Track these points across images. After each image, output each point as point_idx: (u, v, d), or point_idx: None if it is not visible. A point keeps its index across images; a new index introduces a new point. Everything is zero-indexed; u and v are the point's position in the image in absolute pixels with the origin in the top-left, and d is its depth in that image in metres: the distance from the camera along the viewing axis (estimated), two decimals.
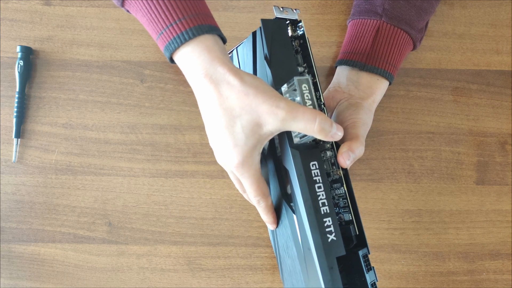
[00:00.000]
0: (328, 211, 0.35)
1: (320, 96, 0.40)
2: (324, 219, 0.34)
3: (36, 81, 0.52)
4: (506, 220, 0.52)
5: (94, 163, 0.51)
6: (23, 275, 0.51)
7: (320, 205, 0.34)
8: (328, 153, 0.39)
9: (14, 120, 0.51)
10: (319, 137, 0.33)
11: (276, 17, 0.38)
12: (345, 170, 0.39)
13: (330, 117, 0.46)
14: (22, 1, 0.52)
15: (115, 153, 0.52)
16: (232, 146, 0.35)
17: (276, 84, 0.36)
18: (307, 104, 0.34)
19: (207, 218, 0.51)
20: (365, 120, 0.43)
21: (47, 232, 0.51)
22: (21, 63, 0.50)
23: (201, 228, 0.51)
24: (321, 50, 0.52)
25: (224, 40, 0.37)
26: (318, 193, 0.35)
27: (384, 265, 0.51)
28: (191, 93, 0.52)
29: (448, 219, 0.52)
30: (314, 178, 0.35)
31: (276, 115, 0.33)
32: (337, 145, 0.40)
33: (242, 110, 0.34)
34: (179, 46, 0.34)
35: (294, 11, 0.39)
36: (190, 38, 0.34)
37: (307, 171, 0.35)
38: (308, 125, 0.33)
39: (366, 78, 0.45)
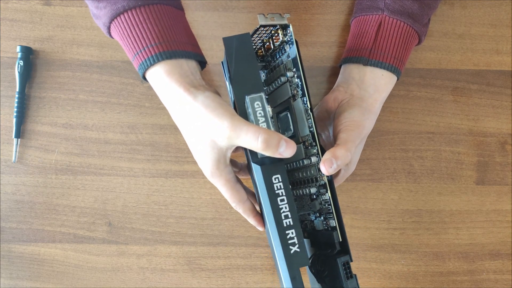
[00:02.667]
0: (291, 223, 0.35)
1: (306, 101, 0.40)
2: (287, 231, 0.35)
3: (36, 81, 0.52)
4: (506, 220, 0.52)
5: (94, 163, 0.51)
6: (23, 275, 0.51)
7: (283, 218, 0.35)
8: (313, 158, 0.40)
9: (14, 120, 0.51)
10: (266, 154, 0.34)
11: (260, 25, 0.39)
12: (329, 176, 0.40)
13: (332, 119, 0.45)
14: (22, 1, 0.52)
15: (115, 153, 0.52)
16: (200, 160, 0.39)
17: (238, 102, 0.37)
18: (260, 122, 0.35)
19: (207, 218, 0.51)
20: (360, 123, 0.43)
21: (47, 232, 0.51)
22: (21, 63, 0.50)
23: (201, 228, 0.51)
24: (321, 50, 0.52)
25: (200, 60, 0.41)
26: (280, 206, 0.35)
27: (384, 265, 0.52)
28: None
29: (448, 219, 0.52)
30: (277, 192, 0.35)
31: (222, 133, 0.35)
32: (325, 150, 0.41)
33: (196, 128, 0.37)
34: (145, 71, 0.39)
35: (283, 15, 0.39)
36: (151, 64, 0.38)
37: (269, 185, 0.35)
38: (252, 143, 0.34)
39: (369, 75, 0.45)
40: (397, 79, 0.46)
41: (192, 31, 0.42)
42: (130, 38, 0.39)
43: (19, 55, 0.50)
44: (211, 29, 0.52)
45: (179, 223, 0.51)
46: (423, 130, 0.52)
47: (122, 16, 0.39)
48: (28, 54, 0.51)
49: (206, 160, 0.38)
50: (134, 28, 0.39)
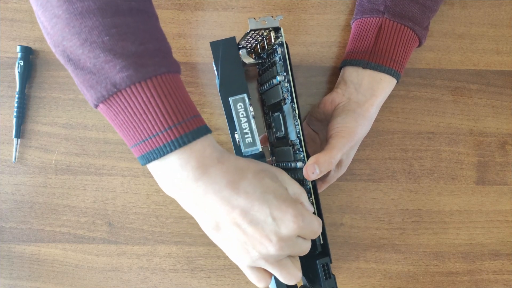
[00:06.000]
0: None
1: (295, 107, 0.41)
2: None
3: (36, 81, 0.52)
4: (506, 220, 0.52)
5: (94, 163, 0.51)
6: (23, 275, 0.51)
7: None
8: (299, 164, 0.41)
9: (14, 120, 0.51)
10: None
11: (250, 29, 0.40)
12: (314, 181, 0.41)
13: (328, 122, 0.46)
14: (22, 1, 0.52)
15: (115, 153, 0.52)
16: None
17: (225, 104, 0.39)
18: (242, 122, 0.38)
19: None
20: (353, 129, 0.43)
21: (47, 232, 0.51)
22: (21, 63, 0.50)
23: (201, 228, 0.51)
24: (321, 50, 0.52)
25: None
26: None
27: (384, 265, 0.52)
28: (191, 92, 0.52)
29: (448, 219, 0.52)
30: None
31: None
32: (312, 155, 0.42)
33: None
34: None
35: (276, 18, 0.40)
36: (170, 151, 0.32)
37: None
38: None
39: (367, 79, 0.45)
40: (397, 82, 0.46)
41: (192, 31, 0.42)
42: (136, 119, 0.32)
43: (19, 55, 0.50)
44: (211, 29, 0.52)
45: (179, 223, 0.51)
46: (423, 130, 0.52)
47: (116, 97, 0.32)
48: (28, 54, 0.51)
49: None
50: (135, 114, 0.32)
